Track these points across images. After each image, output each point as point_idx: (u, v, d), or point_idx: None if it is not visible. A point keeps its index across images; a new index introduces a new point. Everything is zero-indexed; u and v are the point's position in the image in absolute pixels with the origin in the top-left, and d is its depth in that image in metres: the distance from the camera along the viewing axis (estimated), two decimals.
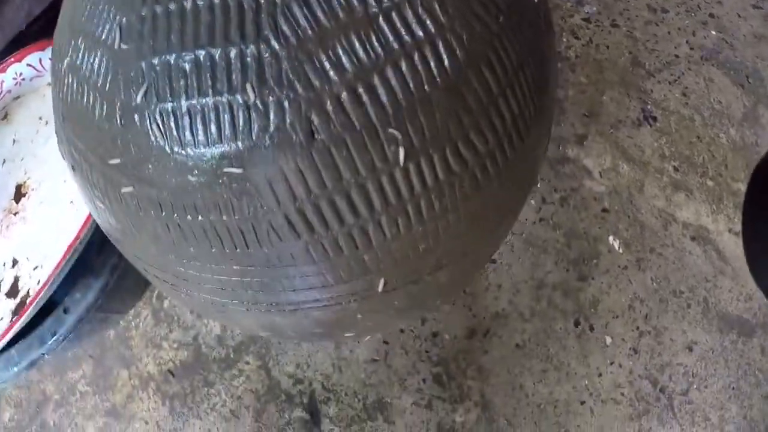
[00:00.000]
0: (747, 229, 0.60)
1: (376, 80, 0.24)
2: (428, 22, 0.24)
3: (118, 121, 0.26)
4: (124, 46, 0.25)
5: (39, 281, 0.52)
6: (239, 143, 0.24)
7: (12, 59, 0.65)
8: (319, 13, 0.23)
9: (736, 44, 0.73)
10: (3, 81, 0.66)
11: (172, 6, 0.24)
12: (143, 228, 0.29)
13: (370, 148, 0.24)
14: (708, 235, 0.61)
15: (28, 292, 0.52)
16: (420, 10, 0.24)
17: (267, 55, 0.23)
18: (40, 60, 0.65)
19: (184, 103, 0.24)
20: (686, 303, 0.58)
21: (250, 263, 0.28)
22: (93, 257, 0.50)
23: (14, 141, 0.63)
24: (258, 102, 0.23)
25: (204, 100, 0.24)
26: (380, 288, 0.30)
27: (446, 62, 0.25)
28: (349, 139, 0.24)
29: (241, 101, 0.23)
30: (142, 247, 0.31)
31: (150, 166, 0.26)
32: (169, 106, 0.24)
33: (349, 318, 0.34)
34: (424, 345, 0.56)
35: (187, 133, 0.24)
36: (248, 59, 0.23)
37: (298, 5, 0.23)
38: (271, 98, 0.23)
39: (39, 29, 0.65)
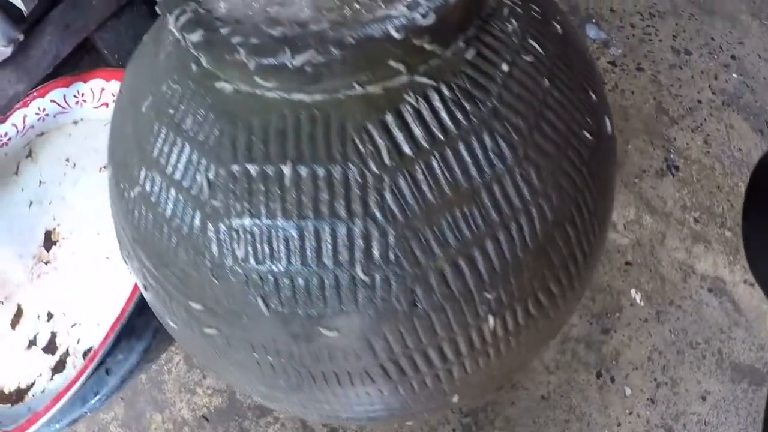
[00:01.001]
0: (747, 222, 0.61)
1: (476, 252, 0.25)
2: (525, 190, 0.25)
3: (210, 275, 0.26)
4: (214, 202, 0.25)
5: (78, 340, 0.52)
6: (342, 308, 0.25)
7: (35, 93, 0.64)
8: (426, 190, 0.24)
9: (757, 87, 0.74)
10: (26, 116, 0.64)
11: (269, 169, 0.24)
12: (227, 358, 0.30)
13: (465, 311, 0.25)
14: (724, 287, 0.64)
15: (67, 351, 0.52)
16: (518, 178, 0.25)
17: (375, 232, 0.24)
18: (64, 96, 0.63)
19: (285, 269, 0.25)
20: (702, 354, 0.61)
21: (338, 394, 0.29)
22: (134, 318, 0.51)
23: (40, 182, 0.62)
24: (365, 277, 0.24)
25: (307, 270, 0.24)
26: (454, 401, 0.32)
27: (537, 227, 0.26)
28: (448, 306, 0.25)
29: (346, 275, 0.24)
30: (220, 368, 0.32)
31: (244, 318, 0.26)
32: (268, 269, 0.25)
33: (414, 418, 0.35)
34: None
35: (288, 297, 0.25)
36: (356, 236, 0.24)
37: (406, 182, 0.24)
38: (377, 274, 0.24)
39: (62, 64, 0.63)
